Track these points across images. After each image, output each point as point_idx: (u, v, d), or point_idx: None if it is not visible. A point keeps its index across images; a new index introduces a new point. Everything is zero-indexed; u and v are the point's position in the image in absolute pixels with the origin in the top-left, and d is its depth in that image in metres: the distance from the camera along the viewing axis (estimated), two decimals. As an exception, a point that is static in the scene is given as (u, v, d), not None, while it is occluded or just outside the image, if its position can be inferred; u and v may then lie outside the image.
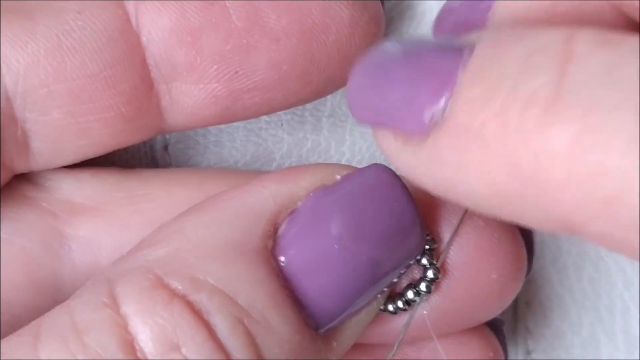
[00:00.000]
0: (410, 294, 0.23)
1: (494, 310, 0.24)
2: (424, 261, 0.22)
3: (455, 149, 0.17)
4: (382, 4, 0.25)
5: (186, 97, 0.23)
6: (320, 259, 0.20)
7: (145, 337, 0.19)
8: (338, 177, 0.21)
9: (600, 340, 0.29)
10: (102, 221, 0.24)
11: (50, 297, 0.23)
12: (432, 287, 0.22)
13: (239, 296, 0.20)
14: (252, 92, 0.23)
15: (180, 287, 0.19)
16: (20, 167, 0.23)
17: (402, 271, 0.22)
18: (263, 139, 0.27)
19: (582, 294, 0.28)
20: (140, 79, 0.23)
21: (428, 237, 0.22)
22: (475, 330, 0.25)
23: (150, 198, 0.24)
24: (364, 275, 0.21)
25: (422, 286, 0.22)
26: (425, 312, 0.23)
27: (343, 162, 0.27)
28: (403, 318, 0.23)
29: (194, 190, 0.24)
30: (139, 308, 0.19)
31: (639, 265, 0.28)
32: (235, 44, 0.23)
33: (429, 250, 0.22)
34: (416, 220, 0.21)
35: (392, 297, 0.23)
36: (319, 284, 0.20)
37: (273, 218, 0.21)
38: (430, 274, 0.22)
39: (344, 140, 0.27)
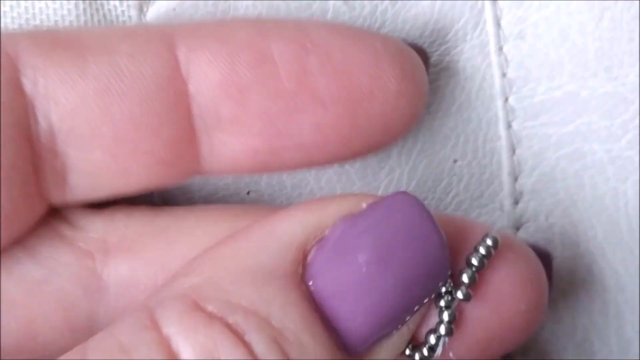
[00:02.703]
0: (432, 340, 0.23)
1: (520, 341, 0.24)
2: (442, 303, 0.23)
3: None
4: (427, 67, 0.25)
5: (226, 148, 0.23)
6: (348, 285, 0.21)
7: (188, 354, 0.19)
8: (364, 205, 0.22)
9: (594, 344, 0.29)
10: (137, 261, 0.24)
11: (86, 339, 0.23)
12: (453, 330, 0.23)
13: (273, 318, 0.20)
14: (292, 151, 0.24)
15: (216, 310, 0.20)
16: (57, 199, 0.23)
17: (431, 296, 0.22)
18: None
19: (575, 298, 0.28)
20: (183, 127, 0.23)
21: (449, 279, 0.23)
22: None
23: (184, 236, 0.24)
24: (392, 300, 0.21)
25: (442, 329, 0.23)
26: (451, 354, 0.23)
27: (340, 170, 0.27)
28: None
29: (225, 227, 0.24)
30: (180, 328, 0.20)
31: (632, 269, 0.28)
32: (282, 104, 0.23)
33: (447, 292, 0.23)
34: (442, 246, 0.22)
35: (417, 346, 0.23)
36: (348, 308, 0.21)
37: (302, 246, 0.21)
38: (446, 315, 0.23)
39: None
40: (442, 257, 0.22)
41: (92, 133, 0.22)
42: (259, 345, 0.20)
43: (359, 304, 0.21)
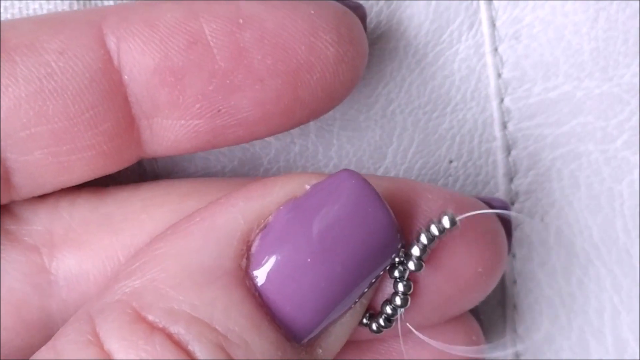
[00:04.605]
0: (388, 310, 0.23)
1: (479, 298, 0.24)
2: (396, 274, 0.22)
3: None
4: (364, 25, 0.24)
5: (167, 132, 0.23)
6: (294, 273, 0.21)
7: None
8: (307, 187, 0.21)
9: (590, 344, 0.29)
10: (84, 252, 0.23)
11: (40, 335, 0.23)
12: (409, 300, 0.22)
13: (216, 322, 0.20)
14: (234, 128, 0.23)
15: (158, 320, 0.20)
16: (2, 200, 0.23)
17: (381, 272, 0.22)
18: (251, 144, 0.27)
19: (571, 298, 0.28)
20: (121, 117, 0.23)
21: (401, 248, 0.22)
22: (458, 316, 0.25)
23: (129, 222, 0.24)
24: (340, 285, 0.21)
25: (397, 300, 0.22)
26: (407, 324, 0.23)
27: (331, 166, 0.27)
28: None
29: (172, 210, 0.23)
30: (122, 344, 0.19)
31: (628, 269, 0.28)
32: (219, 83, 0.22)
33: (400, 262, 0.22)
34: (389, 222, 0.21)
35: (374, 315, 0.23)
36: (295, 297, 0.21)
37: (245, 236, 0.21)
38: (400, 287, 0.22)
39: (332, 144, 0.27)
40: (390, 233, 0.21)
41: (29, 135, 0.22)
42: (203, 354, 0.19)
43: (306, 293, 0.21)
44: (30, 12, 0.25)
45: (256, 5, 0.23)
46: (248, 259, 0.21)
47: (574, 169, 0.28)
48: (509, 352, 0.29)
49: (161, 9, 0.23)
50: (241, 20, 0.22)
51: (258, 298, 0.21)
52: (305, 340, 0.21)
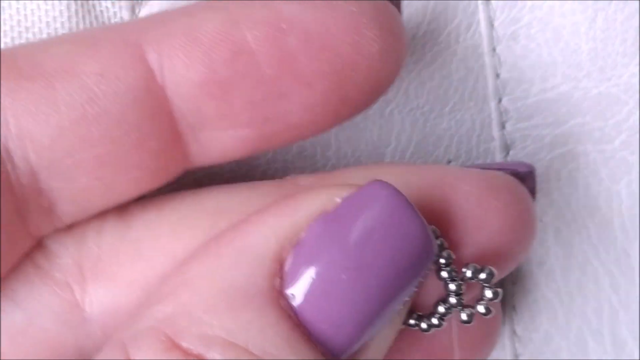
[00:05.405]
0: (441, 309, 0.22)
1: (513, 266, 0.24)
2: (444, 274, 0.22)
3: None
4: (400, 11, 0.24)
5: (215, 143, 0.23)
6: (329, 290, 0.20)
7: None
8: (338, 200, 0.21)
9: (589, 344, 0.29)
10: (116, 285, 0.23)
11: None
12: (463, 300, 0.22)
13: (252, 345, 0.19)
14: (282, 134, 0.23)
15: (192, 347, 0.19)
16: (44, 232, 0.23)
17: (417, 284, 0.21)
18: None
19: (570, 298, 0.28)
20: (166, 134, 0.22)
21: (445, 250, 0.22)
22: None
23: (159, 249, 0.23)
24: (377, 299, 0.20)
25: (452, 300, 0.22)
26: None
27: (329, 167, 0.27)
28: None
29: (203, 233, 0.23)
30: None
31: (626, 269, 0.28)
32: (266, 91, 0.22)
33: (446, 263, 0.22)
34: (424, 232, 0.21)
35: (422, 316, 0.23)
36: (332, 315, 0.20)
37: (277, 255, 0.20)
38: (453, 286, 0.22)
39: (330, 145, 0.27)
40: (425, 243, 0.21)
41: (74, 163, 0.21)
42: None
43: (342, 310, 0.20)
44: (28, 12, 0.25)
45: (296, 7, 0.22)
46: (281, 278, 0.20)
47: (572, 169, 0.28)
48: (508, 352, 0.29)
49: (201, 19, 0.22)
50: (284, 25, 0.22)
51: (294, 317, 0.20)
52: (344, 357, 0.21)
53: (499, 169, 0.25)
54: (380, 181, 0.21)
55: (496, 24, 0.27)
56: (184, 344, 0.19)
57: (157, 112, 0.22)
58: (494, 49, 0.27)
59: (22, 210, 0.22)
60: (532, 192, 0.25)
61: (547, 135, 0.27)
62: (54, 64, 0.21)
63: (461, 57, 0.27)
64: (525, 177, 0.25)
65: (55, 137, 0.21)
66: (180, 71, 0.22)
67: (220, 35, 0.22)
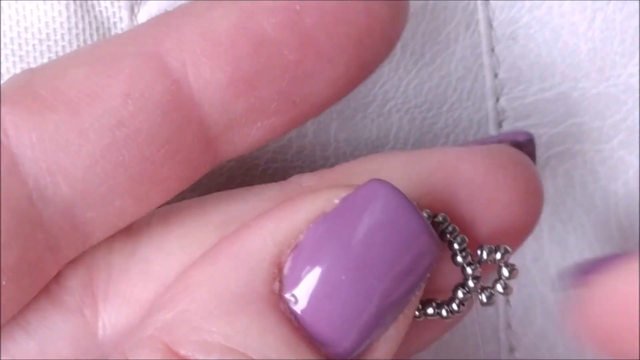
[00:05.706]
0: (460, 294, 0.22)
1: (523, 240, 0.24)
2: (460, 259, 0.22)
3: None
4: None
5: (244, 137, 0.22)
6: (329, 292, 0.20)
7: None
8: (336, 201, 0.21)
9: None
10: (129, 306, 0.22)
11: None
12: (480, 284, 0.22)
13: (252, 350, 0.19)
14: (308, 113, 0.23)
15: (190, 354, 0.19)
16: (72, 257, 0.22)
17: (422, 283, 0.21)
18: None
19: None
20: (197, 141, 0.22)
21: (458, 235, 0.22)
22: None
23: (170, 266, 0.22)
24: (379, 299, 0.20)
25: (471, 284, 0.22)
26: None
27: (328, 166, 0.27)
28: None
29: (212, 241, 0.22)
30: None
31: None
32: (292, 77, 0.21)
33: (460, 249, 0.22)
34: (425, 229, 0.21)
35: (445, 302, 0.22)
36: (333, 317, 0.20)
37: (275, 259, 0.20)
38: (469, 270, 0.22)
39: (329, 145, 0.27)
40: (426, 241, 0.21)
41: (107, 188, 0.21)
42: None
43: (343, 312, 0.20)
44: (27, 12, 0.25)
45: None
46: (280, 281, 0.20)
47: (568, 167, 0.28)
48: (503, 347, 0.29)
49: (214, 17, 0.21)
50: (297, 7, 0.21)
51: (294, 321, 0.20)
52: (349, 359, 0.20)
53: (498, 141, 0.25)
54: (379, 180, 0.21)
55: (495, 23, 0.27)
56: (182, 351, 0.19)
57: (186, 122, 0.21)
58: (492, 49, 0.27)
59: (54, 247, 0.21)
60: (532, 157, 0.25)
61: (544, 134, 0.27)
62: (76, 89, 0.21)
63: (460, 57, 0.27)
64: (525, 145, 0.25)
65: (87, 167, 0.20)
66: (206, 75, 0.21)
67: (239, 30, 0.21)
